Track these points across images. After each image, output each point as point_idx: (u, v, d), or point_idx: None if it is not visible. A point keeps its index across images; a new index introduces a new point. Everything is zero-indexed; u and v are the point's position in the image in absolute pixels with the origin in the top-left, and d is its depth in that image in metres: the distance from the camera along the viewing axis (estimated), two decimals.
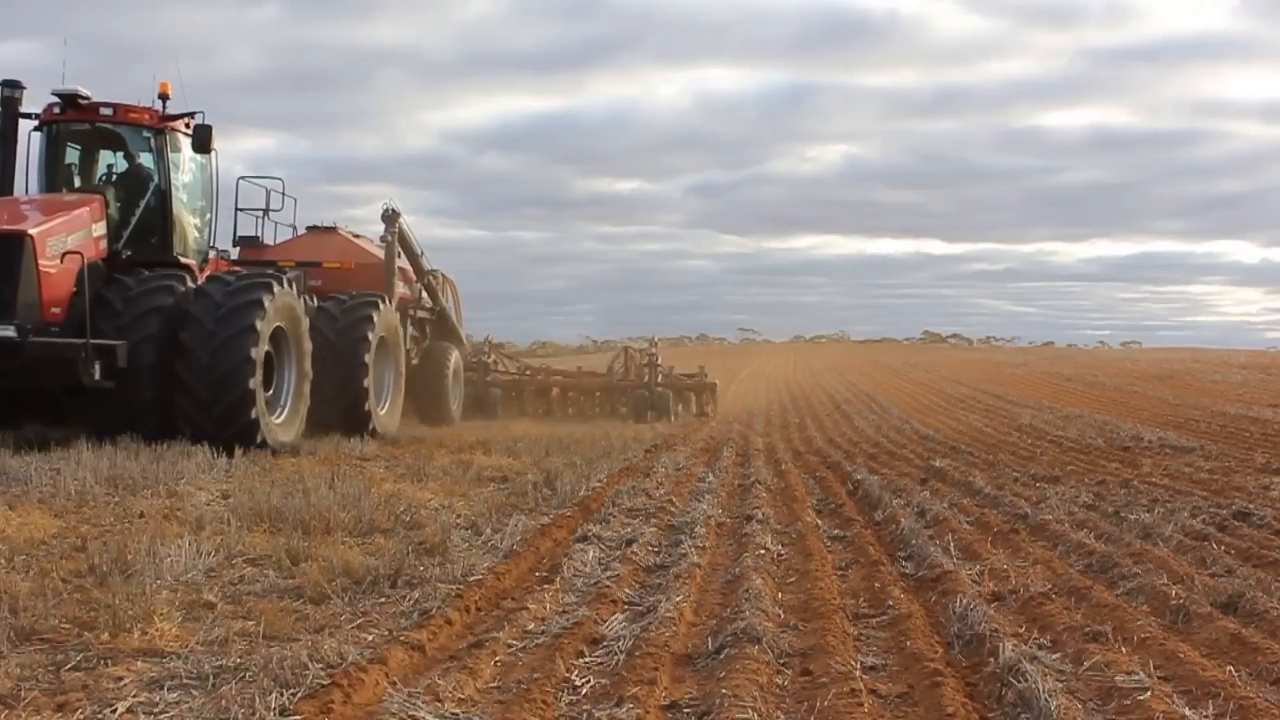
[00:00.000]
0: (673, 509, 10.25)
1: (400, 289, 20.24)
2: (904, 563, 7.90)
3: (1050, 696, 4.39)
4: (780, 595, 6.68)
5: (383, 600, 6.23)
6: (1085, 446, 19.68)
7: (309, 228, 20.09)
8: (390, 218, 19.80)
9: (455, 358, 22.27)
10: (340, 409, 16.52)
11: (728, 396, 39.05)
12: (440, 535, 7.94)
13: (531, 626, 5.69)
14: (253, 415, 13.58)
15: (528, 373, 28.54)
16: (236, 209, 17.39)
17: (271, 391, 14.56)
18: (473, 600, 6.15)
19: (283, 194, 17.99)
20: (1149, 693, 4.58)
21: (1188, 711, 4.42)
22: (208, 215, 15.85)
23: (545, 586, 6.55)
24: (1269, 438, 21.24)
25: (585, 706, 4.49)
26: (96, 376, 12.63)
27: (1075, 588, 6.81)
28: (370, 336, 17.03)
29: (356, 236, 20.66)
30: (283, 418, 14.73)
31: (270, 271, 15.33)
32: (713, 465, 15.33)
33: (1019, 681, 4.62)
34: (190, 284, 14.37)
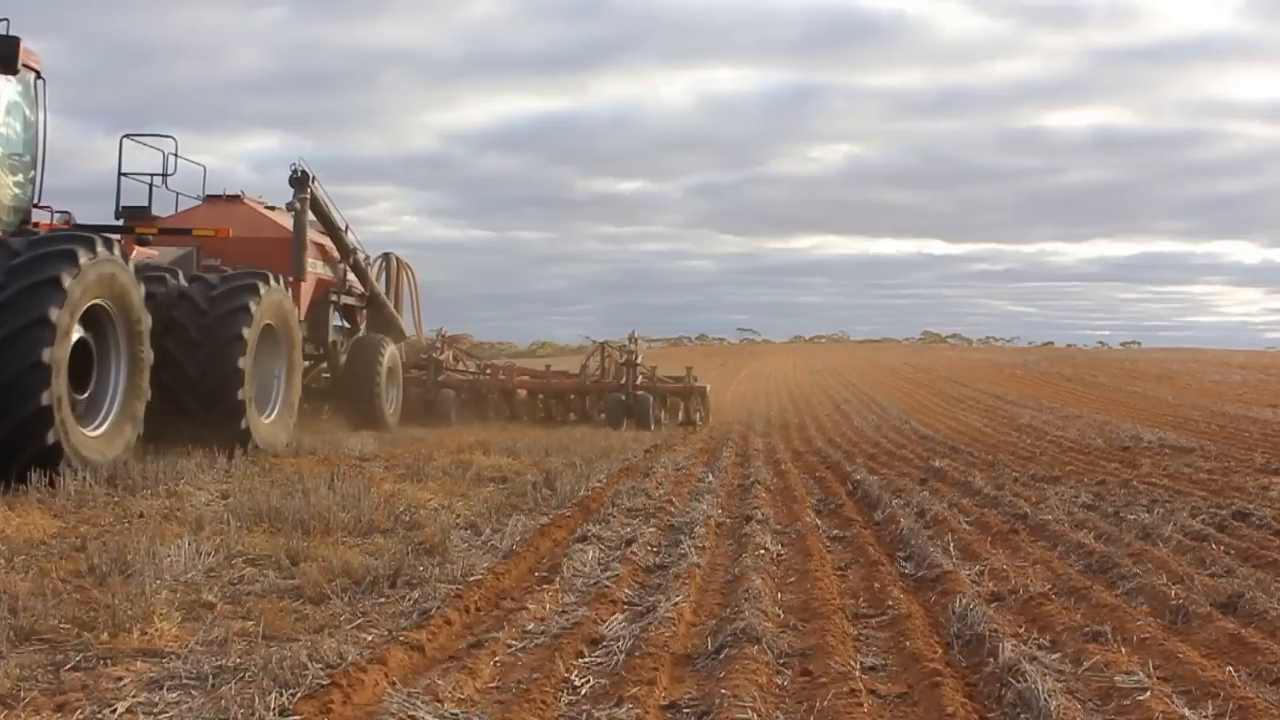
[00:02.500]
0: (672, 509, 10.25)
1: (319, 269, 17.62)
2: (903, 563, 7.90)
3: (1050, 697, 4.39)
4: (780, 595, 6.68)
5: (382, 600, 6.23)
6: (1085, 447, 19.68)
7: (208, 196, 17.07)
8: (300, 181, 16.48)
9: (391, 353, 19.57)
10: (209, 422, 12.90)
11: (727, 396, 39.05)
12: (440, 535, 7.93)
13: (531, 626, 5.69)
14: (50, 439, 9.86)
15: (488, 371, 25.23)
16: (120, 174, 14.81)
17: (89, 395, 10.96)
18: (472, 600, 6.15)
19: (176, 156, 15.23)
20: (1148, 693, 4.58)
21: (1187, 712, 4.42)
22: (30, 171, 11.94)
23: (545, 587, 6.55)
24: (1268, 438, 21.25)
25: (585, 707, 4.49)
26: None
27: (1075, 588, 6.81)
28: (245, 334, 13.24)
29: (270, 208, 17.53)
30: (104, 428, 10.97)
31: (77, 235, 11.02)
32: (712, 465, 15.33)
33: (1018, 682, 4.62)
34: None
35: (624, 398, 23.87)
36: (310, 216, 16.85)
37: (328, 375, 19.17)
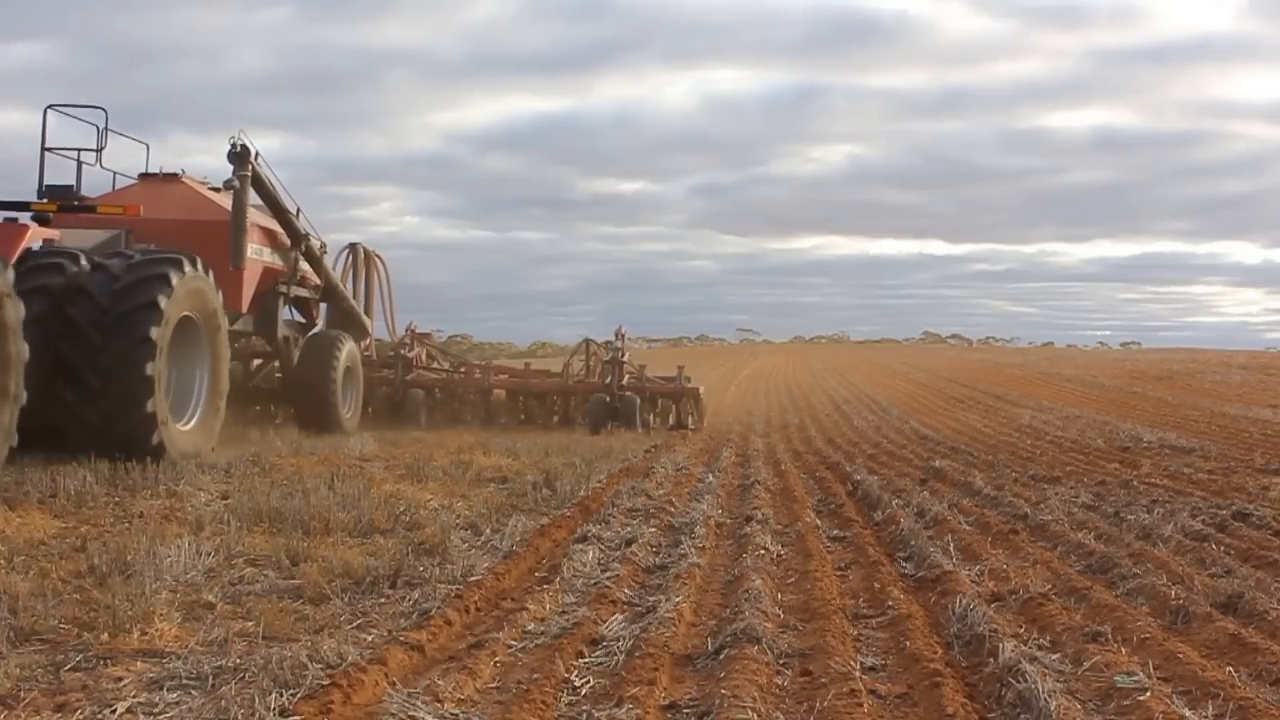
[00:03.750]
0: (672, 509, 10.25)
1: (265, 256, 16.02)
2: (904, 563, 7.90)
3: (1050, 697, 4.39)
4: (780, 596, 6.68)
5: (382, 600, 6.23)
6: (1085, 447, 19.68)
7: (143, 175, 15.39)
8: (239, 156, 14.76)
9: (348, 350, 17.90)
10: (113, 439, 11.07)
11: (727, 397, 39.05)
12: (440, 535, 7.93)
13: (531, 627, 5.69)
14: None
15: (462, 370, 23.48)
16: (43, 149, 13.27)
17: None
18: (472, 600, 6.14)
19: (106, 130, 13.33)
20: (1148, 693, 4.58)
21: (1187, 712, 4.42)
22: None
23: (545, 587, 6.55)
24: (1268, 438, 21.25)
25: (585, 707, 4.49)
26: None
27: (1075, 588, 6.81)
28: (155, 334, 11.30)
29: (216, 190, 15.76)
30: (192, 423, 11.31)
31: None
32: (712, 466, 15.33)
33: (1019, 682, 4.62)
34: None
35: (608, 399, 22.15)
36: (257, 200, 15.52)
37: (280, 375, 17.84)
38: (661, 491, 11.68)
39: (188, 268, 12.09)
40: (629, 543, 8.14)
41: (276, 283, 16.59)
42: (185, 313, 12.07)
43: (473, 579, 6.67)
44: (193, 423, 12.50)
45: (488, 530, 8.63)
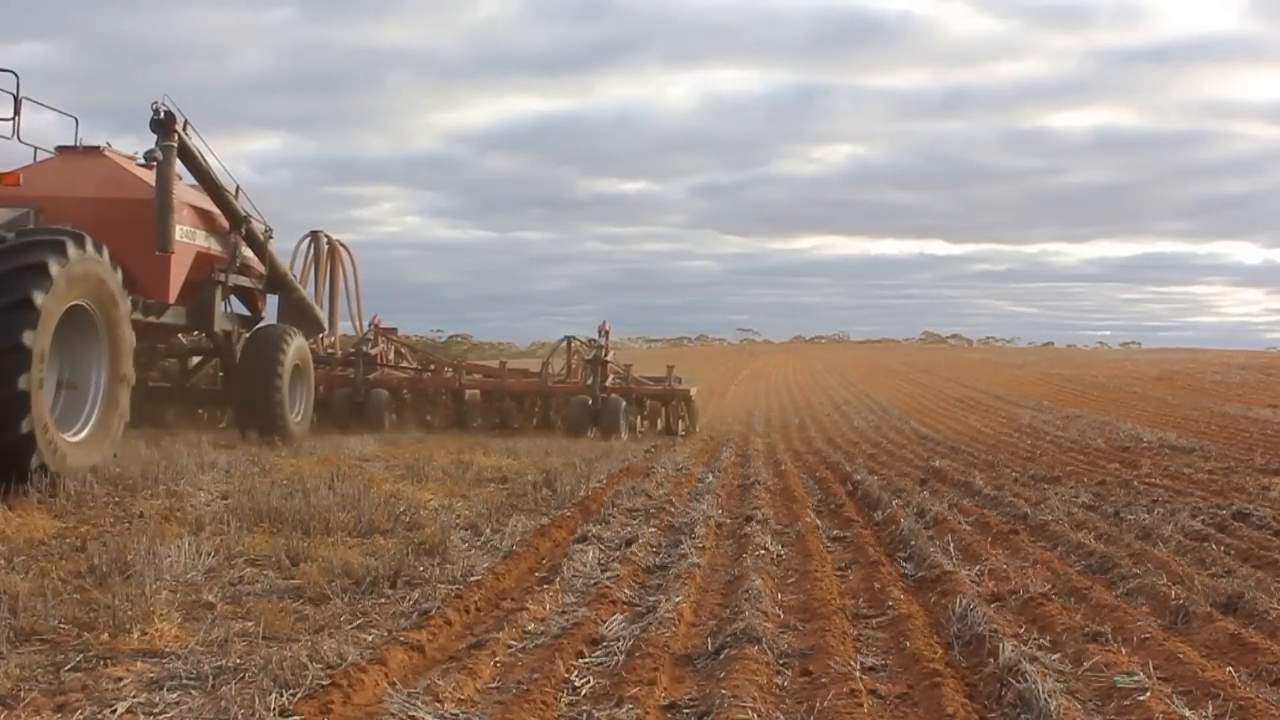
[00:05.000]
0: (672, 509, 10.26)
1: (199, 240, 14.22)
2: (904, 563, 7.90)
3: (1050, 697, 4.39)
4: (780, 596, 6.68)
5: (382, 601, 6.23)
6: (1085, 447, 19.69)
7: (60, 148, 13.68)
8: (163, 124, 12.92)
9: (296, 347, 15.84)
10: None
11: (727, 397, 39.06)
12: (440, 536, 7.93)
13: (531, 627, 5.69)
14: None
15: (431, 369, 21.85)
16: None
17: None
18: (472, 601, 6.14)
19: (17, 97, 11.47)
20: (1148, 693, 4.57)
21: (1187, 712, 4.42)
22: None
23: (545, 587, 6.55)
24: (1269, 438, 21.25)
25: (585, 707, 4.48)
26: None
27: (1075, 588, 6.81)
28: (28, 340, 9.18)
29: (145, 165, 13.74)
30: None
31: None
32: (712, 466, 15.34)
33: (1019, 682, 4.62)
34: None
35: (590, 401, 20.59)
36: (193, 181, 13.99)
37: (223, 374, 16.28)
38: (661, 491, 11.69)
39: (72, 250, 9.85)
40: (629, 543, 8.14)
41: (213, 270, 14.71)
42: (75, 302, 10.06)
43: (473, 579, 6.67)
44: (86, 431, 10.37)
45: (488, 530, 8.63)
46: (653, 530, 8.86)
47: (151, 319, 13.30)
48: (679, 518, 9.75)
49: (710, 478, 13.42)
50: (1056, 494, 11.91)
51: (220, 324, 15.14)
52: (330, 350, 20.58)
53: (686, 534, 8.69)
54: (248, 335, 15.85)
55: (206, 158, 14.04)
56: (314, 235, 19.37)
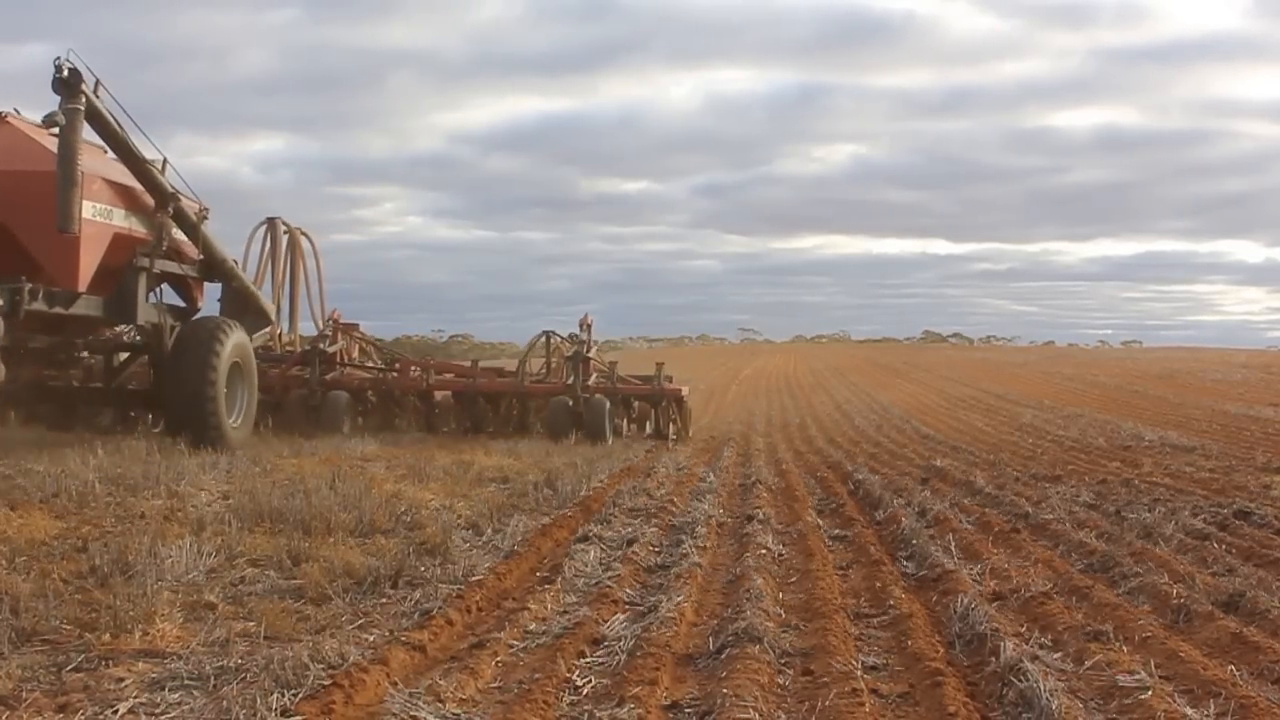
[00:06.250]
0: (673, 509, 10.26)
1: (116, 220, 12.51)
2: (905, 562, 7.90)
3: (1051, 696, 4.38)
4: (781, 595, 6.68)
5: (384, 601, 6.23)
6: (1086, 446, 19.68)
7: None
8: (67, 84, 11.43)
9: (235, 342, 13.93)
10: None
11: (728, 396, 39.06)
12: (441, 535, 7.93)
13: (533, 627, 5.69)
14: None
15: (397, 368, 19.79)
16: None
17: None
18: (474, 600, 6.14)
19: None
20: (1150, 692, 4.57)
21: (1189, 711, 4.42)
22: None
23: (546, 587, 6.55)
24: (1270, 437, 21.24)
25: (586, 706, 4.48)
26: None
27: (1076, 587, 6.81)
28: None
29: (57, 133, 11.89)
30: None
31: None
32: (714, 465, 15.34)
33: (1020, 681, 4.62)
34: None
35: (570, 402, 18.77)
36: (108, 152, 12.42)
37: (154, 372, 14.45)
38: (663, 491, 11.69)
39: None
40: (630, 542, 8.14)
41: (136, 255, 13.02)
42: None
43: (474, 579, 6.67)
44: None
45: (489, 530, 8.63)
46: (654, 530, 8.86)
47: (59, 310, 11.94)
48: (680, 517, 9.75)
49: (711, 477, 13.42)
50: (1058, 493, 11.91)
51: (146, 316, 13.45)
52: (289, 348, 19.07)
53: (688, 533, 8.69)
54: (179, 329, 14.02)
55: (119, 122, 12.32)
56: (270, 222, 17.86)
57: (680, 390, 21.34)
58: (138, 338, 14.25)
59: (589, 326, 19.79)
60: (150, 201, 13.12)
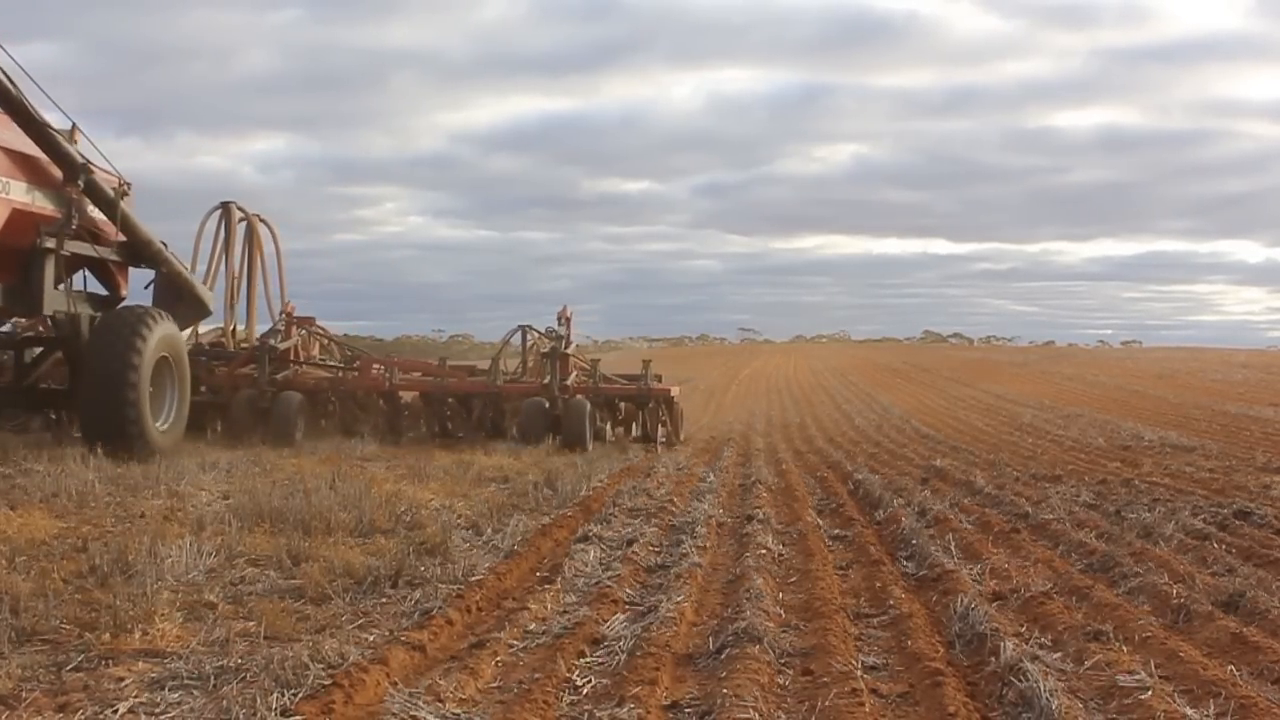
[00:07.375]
0: (673, 509, 10.26)
1: (14, 194, 11.13)
2: (905, 562, 7.90)
3: (1051, 696, 4.38)
4: (781, 595, 6.68)
5: (384, 600, 6.23)
6: (1086, 446, 19.69)
7: None
8: None
9: (163, 336, 12.43)
10: None
11: (728, 396, 39.06)
12: (441, 535, 7.93)
13: (533, 626, 5.69)
14: None
15: (356, 367, 18.22)
16: None
17: None
18: (474, 600, 6.14)
19: None
20: (1150, 692, 4.57)
21: (1189, 711, 4.42)
22: None
23: (546, 586, 6.55)
24: (1270, 437, 21.25)
25: (586, 706, 4.48)
26: None
27: (1076, 587, 6.81)
28: None
29: None
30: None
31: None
32: (713, 465, 15.34)
33: (1020, 681, 4.62)
34: None
35: (548, 404, 17.14)
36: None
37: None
38: (663, 491, 11.69)
39: None
40: (630, 542, 8.14)
41: (38, 235, 11.51)
42: None
43: (474, 579, 6.67)
44: None
45: (489, 530, 8.63)
46: (654, 530, 8.86)
47: None
48: (680, 517, 9.75)
49: (711, 477, 13.42)
50: (1058, 493, 11.91)
51: (55, 305, 12.00)
52: (245, 345, 17.61)
53: (688, 533, 8.69)
54: (96, 321, 12.48)
55: (11, 81, 10.86)
56: (225, 207, 16.33)
57: (670, 390, 19.63)
58: (49, 330, 12.80)
59: (568, 320, 18.17)
60: (58, 174, 11.65)
